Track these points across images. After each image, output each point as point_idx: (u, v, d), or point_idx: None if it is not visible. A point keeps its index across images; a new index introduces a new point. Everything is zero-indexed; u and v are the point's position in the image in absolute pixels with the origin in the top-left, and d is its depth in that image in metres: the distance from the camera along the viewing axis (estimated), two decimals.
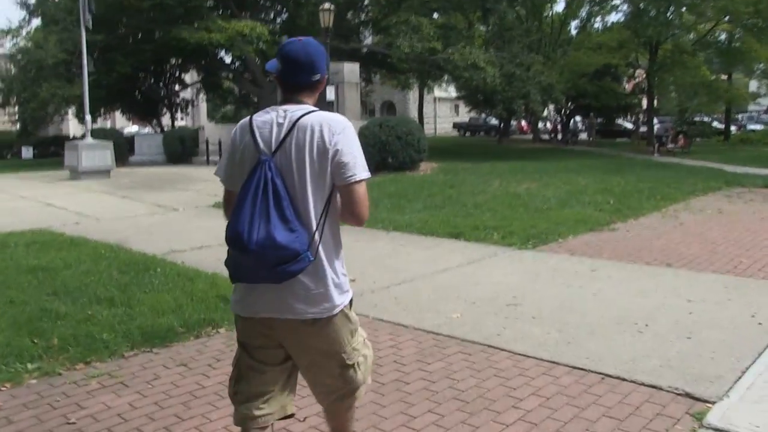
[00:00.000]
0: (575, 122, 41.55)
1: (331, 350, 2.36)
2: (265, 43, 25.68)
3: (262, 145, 2.24)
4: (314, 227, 2.22)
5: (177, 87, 34.44)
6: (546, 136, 42.53)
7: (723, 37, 34.24)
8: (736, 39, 32.87)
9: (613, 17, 45.42)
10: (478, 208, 11.35)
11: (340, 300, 2.32)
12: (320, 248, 2.24)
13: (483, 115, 48.87)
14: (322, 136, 2.20)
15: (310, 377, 2.49)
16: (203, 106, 47.72)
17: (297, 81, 2.30)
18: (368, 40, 33.44)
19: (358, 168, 2.23)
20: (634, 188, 14.08)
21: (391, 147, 18.37)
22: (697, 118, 42.69)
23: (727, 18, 30.36)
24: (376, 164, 18.90)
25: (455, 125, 58.17)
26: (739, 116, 52.65)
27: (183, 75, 34.73)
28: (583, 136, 44.86)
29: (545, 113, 45.03)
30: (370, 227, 9.62)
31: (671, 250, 8.04)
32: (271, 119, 2.28)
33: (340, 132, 2.23)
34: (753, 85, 39.98)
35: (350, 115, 22.80)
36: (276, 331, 2.33)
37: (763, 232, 9.24)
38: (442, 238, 8.92)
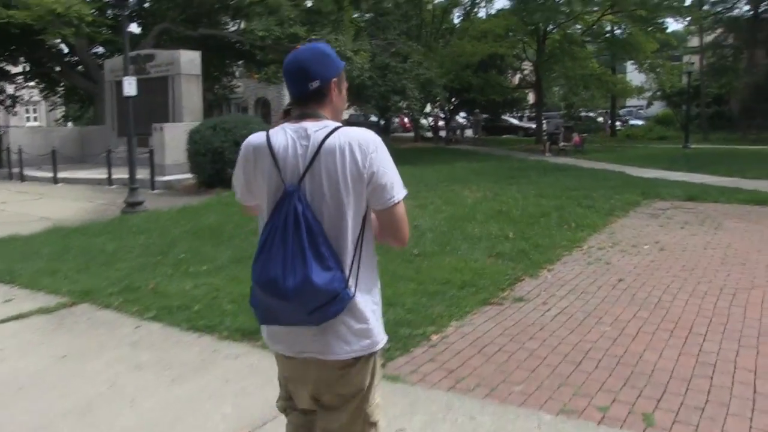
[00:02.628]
0: (458, 119, 38.50)
1: (356, 394, 2.12)
2: (90, 25, 20.77)
3: (284, 171, 1.98)
4: (351, 259, 1.99)
5: None
6: (429, 134, 39.51)
7: (609, 28, 32.25)
8: (624, 31, 30.93)
9: (499, 3, 42.66)
10: None
11: (382, 335, 2.11)
12: (359, 281, 2.01)
13: (361, 112, 45.19)
14: (354, 160, 1.94)
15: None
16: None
17: (296, 92, 2.05)
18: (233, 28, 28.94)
19: (396, 188, 2.01)
20: (537, 208, 10.73)
21: (227, 156, 14.27)
22: (582, 113, 41.24)
23: (611, 6, 28.23)
24: (206, 179, 14.83)
25: None
26: (621, 111, 51.96)
27: (9, 66, 28.68)
28: (469, 132, 42.24)
29: (428, 108, 42.06)
30: (116, 315, 5.63)
31: (631, 356, 4.52)
32: (291, 141, 1.99)
33: (373, 151, 1.97)
34: (636, 79, 38.57)
35: (188, 114, 18.53)
36: (312, 371, 2.08)
37: (755, 300, 5.92)
38: (225, 339, 4.99)
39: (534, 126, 34.22)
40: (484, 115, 39.95)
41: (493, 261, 7.22)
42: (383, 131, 37.15)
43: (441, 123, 39.20)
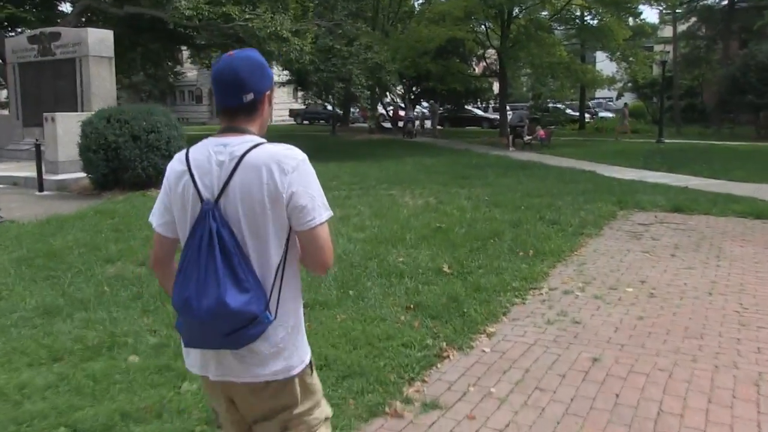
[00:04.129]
0: (418, 109, 35.97)
1: (280, 415, 2.01)
2: None
3: (202, 189, 1.86)
4: (272, 281, 1.88)
5: None
6: (388, 125, 37.09)
7: (579, 13, 30.07)
8: (594, 16, 28.78)
9: None
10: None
11: (299, 360, 1.98)
12: (280, 304, 1.91)
13: (320, 101, 42.50)
14: (272, 178, 1.83)
15: None
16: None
17: (227, 104, 1.92)
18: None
19: (317, 210, 1.88)
20: (488, 223, 8.43)
21: (123, 152, 11.75)
22: (550, 105, 39.14)
23: None
24: (99, 180, 12.32)
25: (291, 113, 51.54)
26: (590, 103, 50.01)
27: None
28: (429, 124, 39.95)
29: (387, 98, 39.62)
30: None
31: None
32: (209, 155, 1.88)
33: (294, 169, 1.85)
34: (607, 69, 36.59)
35: (99, 102, 15.83)
36: (235, 395, 2.00)
37: None
38: None
39: (499, 118, 31.96)
40: (445, 106, 37.63)
41: (407, 319, 4.88)
42: (335, 123, 34.71)
43: (401, 113, 36.81)
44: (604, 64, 37.45)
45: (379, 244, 7.29)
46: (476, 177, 13.96)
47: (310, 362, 2.05)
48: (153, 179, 12.16)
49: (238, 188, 1.83)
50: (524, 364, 4.16)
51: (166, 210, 1.96)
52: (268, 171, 1.82)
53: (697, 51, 36.21)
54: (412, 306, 5.16)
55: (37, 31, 17.49)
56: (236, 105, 1.90)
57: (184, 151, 1.94)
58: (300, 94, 35.43)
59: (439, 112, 34.94)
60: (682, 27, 36.50)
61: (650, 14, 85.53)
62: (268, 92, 1.96)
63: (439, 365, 4.14)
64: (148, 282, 5.86)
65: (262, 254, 1.85)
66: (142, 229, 8.19)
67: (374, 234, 7.81)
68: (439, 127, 33.33)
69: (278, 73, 27.72)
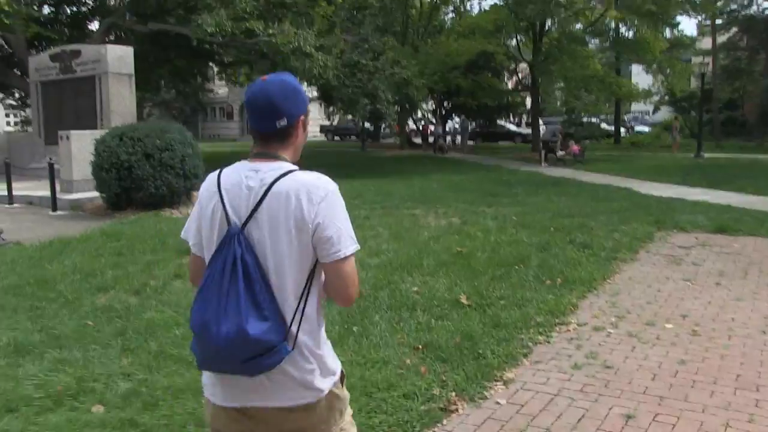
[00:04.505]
0: (451, 124, 35.31)
1: None
2: (9, 14, 17.84)
3: (231, 212, 1.84)
4: (293, 312, 1.82)
5: None
6: (418, 141, 36.57)
7: (614, 25, 29.26)
8: (630, 27, 27.95)
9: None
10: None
11: (326, 384, 1.91)
12: (300, 334, 1.83)
13: (350, 117, 42.19)
14: (300, 207, 1.80)
15: None
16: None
17: (260, 128, 1.89)
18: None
19: (344, 242, 1.82)
20: (513, 247, 7.81)
21: (136, 171, 11.39)
22: (585, 119, 38.25)
23: (618, 2, 25.34)
24: (112, 200, 12.00)
25: (322, 129, 51.36)
26: (625, 117, 48.89)
27: None
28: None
29: (418, 114, 39.14)
30: None
31: None
32: (240, 180, 1.86)
33: (322, 200, 1.81)
34: (643, 82, 35.61)
35: (118, 119, 15.58)
36: (252, 420, 1.91)
37: None
38: None
39: (531, 132, 31.20)
40: (476, 122, 36.96)
41: (414, 362, 4.30)
42: (365, 140, 34.32)
43: (431, 129, 36.29)
44: (640, 77, 36.57)
45: (393, 270, 6.72)
46: (505, 195, 13.33)
47: (342, 375, 2.00)
48: (167, 198, 11.79)
49: (266, 215, 1.81)
50: (545, 421, 3.54)
51: (198, 231, 1.95)
52: (296, 199, 1.79)
53: (737, 62, 35.07)
54: (420, 346, 4.57)
55: (58, 49, 17.42)
56: (270, 131, 1.87)
57: (217, 172, 1.93)
58: (329, 110, 34.94)
59: (470, 127, 34.30)
60: (722, 38, 35.40)
61: (687, 26, 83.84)
62: (302, 117, 1.91)
63: (444, 421, 3.56)
64: (136, 314, 5.38)
65: (285, 283, 1.81)
66: (145, 253, 7.75)
67: (390, 259, 7.24)
68: (470, 142, 32.67)
69: (306, 89, 27.40)
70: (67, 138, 13.39)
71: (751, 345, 4.65)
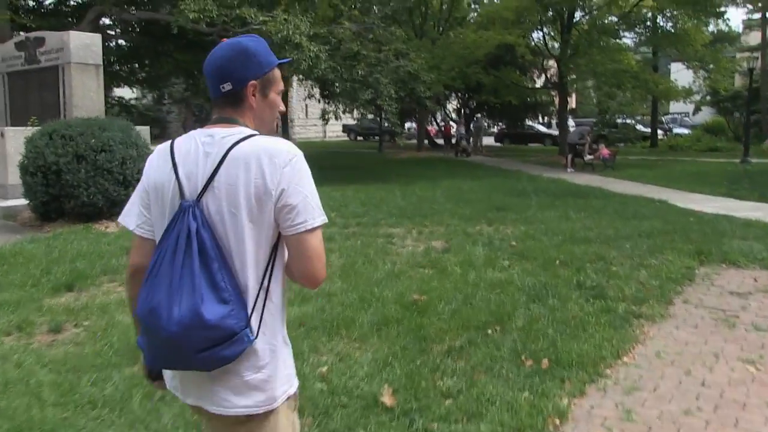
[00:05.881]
0: (468, 125, 32.90)
1: None
2: None
3: (185, 183, 1.66)
4: (255, 294, 1.65)
5: None
6: (441, 142, 34.33)
7: (651, 15, 26.67)
8: (669, 18, 25.32)
9: None
10: None
11: (283, 389, 1.72)
12: (262, 321, 1.65)
13: (371, 116, 40.04)
14: (262, 172, 1.62)
15: None
16: None
17: (211, 94, 1.77)
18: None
19: (310, 212, 1.65)
20: (495, 292, 5.64)
21: (65, 176, 9.52)
22: (619, 120, 35.65)
23: None
24: (39, 209, 10.25)
25: (345, 128, 49.35)
26: (663, 119, 45.92)
27: None
28: (489, 139, 36.90)
29: (438, 114, 36.90)
30: None
31: None
32: (196, 147, 1.69)
33: (286, 164, 1.64)
34: (682, 81, 32.84)
35: (82, 114, 13.71)
36: (209, 423, 1.77)
37: None
38: None
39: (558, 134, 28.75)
40: (503, 122, 34.57)
41: None
42: (382, 140, 32.28)
43: (454, 129, 34.06)
44: (680, 74, 33.81)
45: (307, 334, 4.63)
46: (514, 208, 11.12)
47: (296, 394, 1.78)
48: (104, 210, 9.88)
49: (223, 184, 1.63)
50: None
51: (145, 208, 1.75)
52: (257, 164, 1.62)
53: None
54: None
55: (23, 36, 15.73)
56: (216, 95, 1.75)
57: (169, 141, 1.76)
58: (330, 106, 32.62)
59: (485, 127, 31.93)
60: None
61: (732, 19, 79.90)
62: (253, 82, 1.72)
63: None
64: None
65: (246, 262, 1.63)
66: (41, 288, 5.83)
67: (316, 311, 5.15)
68: (498, 144, 30.27)
69: (303, 83, 25.31)
70: (2, 135, 11.56)
71: None
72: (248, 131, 1.69)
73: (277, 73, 1.80)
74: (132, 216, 1.76)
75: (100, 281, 6.40)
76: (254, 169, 1.61)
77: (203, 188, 1.63)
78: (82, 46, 14.36)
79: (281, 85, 1.82)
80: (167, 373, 1.78)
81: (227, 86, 1.70)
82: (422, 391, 3.69)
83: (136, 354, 4.37)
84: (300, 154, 1.68)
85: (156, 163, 1.73)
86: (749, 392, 3.75)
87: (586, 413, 3.51)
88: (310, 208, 1.64)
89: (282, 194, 1.61)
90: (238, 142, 1.64)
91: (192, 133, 1.73)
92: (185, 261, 1.55)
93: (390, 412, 3.46)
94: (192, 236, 1.57)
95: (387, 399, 3.60)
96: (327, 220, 1.68)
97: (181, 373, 1.71)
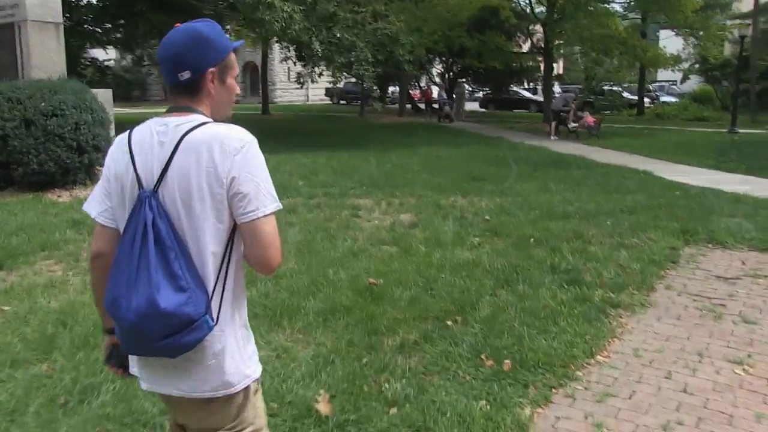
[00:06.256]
0: (451, 90, 32.13)
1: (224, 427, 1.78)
2: None
3: (142, 173, 1.66)
4: (214, 281, 1.66)
5: None
6: (422, 106, 33.60)
7: None
8: None
9: None
10: None
11: (244, 374, 1.74)
12: (222, 307, 1.67)
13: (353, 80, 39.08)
14: (213, 160, 1.61)
15: None
16: None
17: (167, 82, 1.73)
18: None
19: (262, 199, 1.64)
20: (459, 276, 5.15)
21: (12, 142, 8.90)
22: (606, 87, 35.06)
23: None
24: None
25: (327, 92, 48.40)
26: (651, 86, 45.31)
27: None
28: (472, 105, 36.17)
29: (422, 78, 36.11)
30: None
31: None
32: (151, 136, 1.69)
33: (237, 152, 1.62)
34: (671, 49, 32.14)
35: (41, 75, 12.98)
36: (175, 409, 1.84)
37: None
38: None
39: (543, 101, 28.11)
40: (487, 87, 33.85)
41: None
42: (363, 105, 31.56)
43: (435, 93, 33.34)
44: (669, 41, 33.13)
45: (250, 320, 4.11)
46: (491, 179, 10.61)
47: (258, 379, 1.82)
48: (56, 177, 9.27)
49: (177, 173, 1.62)
50: None
51: (107, 196, 1.75)
52: (208, 152, 1.61)
53: None
54: None
55: None
56: (173, 84, 1.71)
57: (127, 132, 1.75)
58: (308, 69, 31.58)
59: (467, 92, 31.14)
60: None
61: None
62: (212, 69, 1.69)
63: None
64: None
65: (203, 250, 1.64)
66: None
67: (258, 297, 4.62)
68: (483, 109, 29.55)
69: (282, 46, 24.34)
70: None
71: None
72: (202, 119, 1.67)
73: (233, 57, 1.76)
74: (94, 203, 1.77)
75: (34, 259, 5.85)
76: (206, 157, 1.60)
77: (159, 178, 1.63)
78: (39, 3, 13.43)
79: (237, 69, 1.79)
80: (132, 360, 1.80)
81: (186, 74, 1.68)
82: (364, 398, 3.20)
83: (48, 348, 3.85)
84: (252, 140, 1.66)
85: (115, 153, 1.73)
86: (736, 400, 3.29)
87: (550, 427, 3.03)
88: (262, 195, 1.63)
89: (233, 182, 1.60)
90: (190, 130, 1.63)
91: (148, 122, 1.72)
92: (142, 251, 1.57)
93: (323, 424, 2.97)
94: (148, 227, 1.58)
95: (323, 407, 3.11)
96: (281, 207, 1.67)
97: (144, 359, 1.72)
